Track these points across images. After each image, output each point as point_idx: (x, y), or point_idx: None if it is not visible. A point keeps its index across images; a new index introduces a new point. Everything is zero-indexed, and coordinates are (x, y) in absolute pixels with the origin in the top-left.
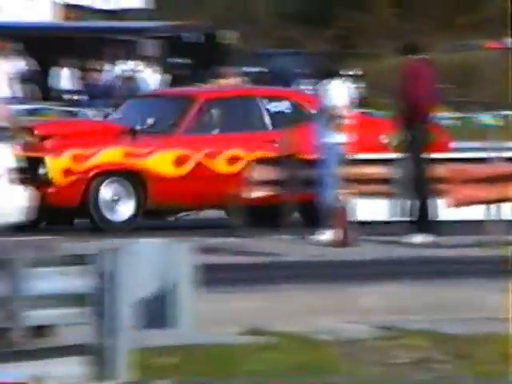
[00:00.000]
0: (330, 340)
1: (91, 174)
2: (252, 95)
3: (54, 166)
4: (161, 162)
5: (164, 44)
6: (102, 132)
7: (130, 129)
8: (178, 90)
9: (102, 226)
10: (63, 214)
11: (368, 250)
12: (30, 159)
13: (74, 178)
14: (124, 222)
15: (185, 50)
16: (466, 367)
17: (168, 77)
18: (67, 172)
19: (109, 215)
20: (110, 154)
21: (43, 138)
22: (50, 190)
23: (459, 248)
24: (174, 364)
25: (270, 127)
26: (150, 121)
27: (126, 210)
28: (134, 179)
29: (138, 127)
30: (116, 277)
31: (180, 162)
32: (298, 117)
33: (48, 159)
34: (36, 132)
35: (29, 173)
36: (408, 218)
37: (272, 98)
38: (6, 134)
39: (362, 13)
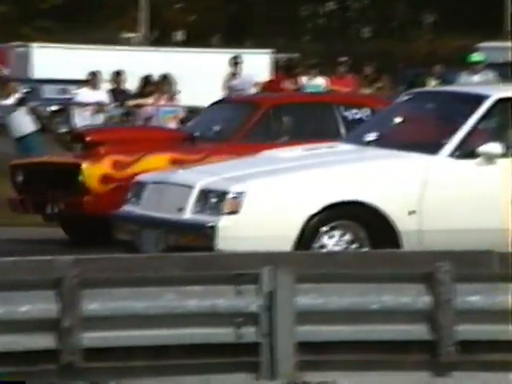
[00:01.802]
0: None
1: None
2: (326, 101)
3: (91, 173)
4: None
5: None
6: (157, 139)
7: (188, 135)
8: (250, 95)
9: None
10: (103, 225)
11: None
12: (67, 166)
13: (112, 185)
14: None
15: None
16: None
17: None
18: (105, 179)
19: None
20: (154, 161)
21: (94, 145)
22: (86, 198)
23: None
24: None
25: (344, 136)
26: (216, 127)
27: None
28: None
29: (197, 134)
30: (277, 295)
31: None
32: None
33: (84, 166)
34: (87, 139)
35: (67, 181)
36: None
37: (350, 105)
38: None
39: None
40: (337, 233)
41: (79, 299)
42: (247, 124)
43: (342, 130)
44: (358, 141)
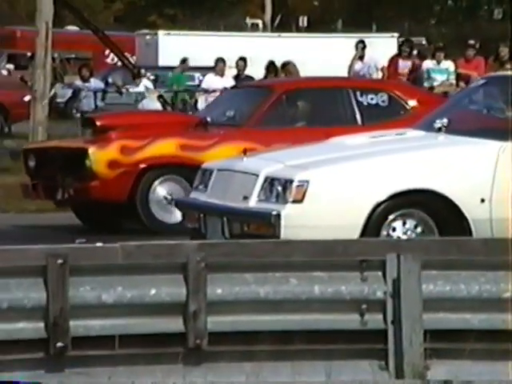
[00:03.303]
0: None
1: (141, 167)
2: (341, 86)
3: (98, 157)
4: (223, 156)
5: None
6: (168, 124)
7: (200, 121)
8: (266, 80)
9: (151, 227)
10: (110, 212)
11: None
12: (76, 151)
13: (120, 171)
14: (177, 225)
15: None
16: None
17: None
18: (113, 164)
19: (160, 216)
20: (163, 146)
21: (105, 130)
22: (94, 183)
23: None
24: None
25: (360, 122)
26: (229, 113)
27: None
28: (191, 175)
29: (209, 119)
30: (403, 282)
31: None
32: (395, 111)
33: (91, 150)
34: (98, 123)
35: (76, 166)
36: None
37: (366, 90)
38: None
39: None
40: (405, 221)
41: (204, 284)
42: (260, 109)
43: (358, 116)
44: (428, 127)
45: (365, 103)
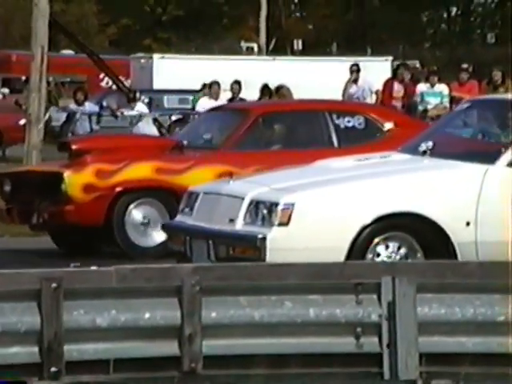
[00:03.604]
0: None
1: (116, 190)
2: (317, 109)
3: (73, 181)
4: (199, 179)
5: None
6: (144, 147)
7: (176, 144)
8: (242, 103)
9: (127, 251)
10: (86, 235)
11: None
12: (51, 175)
13: (96, 194)
14: (155, 248)
15: None
16: None
17: None
18: (88, 188)
19: (136, 239)
20: (138, 170)
21: (80, 154)
22: (69, 207)
23: None
24: None
25: (336, 144)
26: (206, 135)
27: (157, 233)
28: (167, 198)
29: (185, 142)
30: (398, 305)
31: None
32: (371, 133)
33: (66, 174)
34: (73, 147)
35: (51, 190)
36: None
37: (343, 113)
38: None
39: None
40: (390, 244)
41: (199, 307)
42: (237, 132)
43: (334, 138)
44: (413, 150)
45: (341, 126)
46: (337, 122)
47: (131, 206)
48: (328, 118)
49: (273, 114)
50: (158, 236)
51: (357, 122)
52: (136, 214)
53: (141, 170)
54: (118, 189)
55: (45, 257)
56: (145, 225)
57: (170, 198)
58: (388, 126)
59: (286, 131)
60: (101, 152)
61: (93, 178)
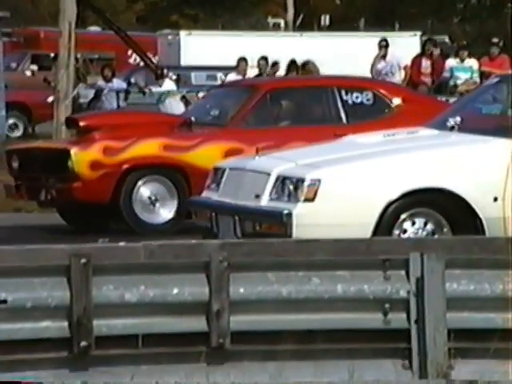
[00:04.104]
0: None
1: (124, 167)
2: (325, 85)
3: (80, 158)
4: (207, 156)
5: None
6: (152, 124)
7: (184, 121)
8: (250, 79)
9: (135, 228)
10: (95, 213)
11: None
12: (58, 152)
13: (103, 172)
14: (162, 225)
15: None
16: None
17: None
18: (95, 165)
19: (144, 217)
20: (146, 147)
21: (88, 130)
22: (76, 184)
23: None
24: None
25: (345, 120)
26: (214, 112)
27: (165, 210)
28: (175, 175)
29: (193, 119)
30: (426, 281)
31: (230, 156)
32: (380, 109)
33: (73, 151)
34: (81, 124)
35: (58, 167)
36: None
37: (351, 89)
38: None
39: None
40: (417, 220)
41: (227, 283)
42: (244, 109)
43: (343, 114)
44: (441, 126)
45: (350, 102)
46: (345, 97)
47: (139, 183)
48: (336, 94)
49: (280, 91)
50: (166, 213)
51: (365, 97)
52: (144, 191)
53: (148, 147)
54: (126, 166)
55: (54, 233)
56: (152, 202)
57: (177, 175)
58: (396, 101)
59: (294, 107)
60: (109, 129)
61: (100, 155)
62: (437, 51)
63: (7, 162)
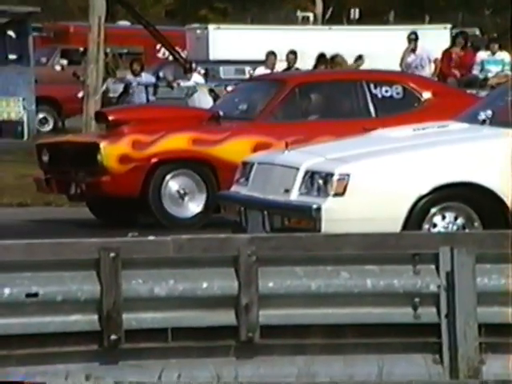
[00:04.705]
0: None
1: (152, 161)
2: (354, 79)
3: (109, 152)
4: (235, 150)
5: None
6: (181, 118)
7: (212, 114)
8: (279, 73)
9: (163, 222)
10: (123, 207)
11: None
12: (87, 146)
13: (132, 165)
14: (191, 219)
15: None
16: None
17: None
18: (124, 159)
19: (173, 210)
20: (174, 141)
21: (117, 124)
22: (105, 178)
23: None
24: None
25: (374, 114)
26: (242, 106)
27: (193, 204)
28: (203, 169)
29: (222, 113)
30: (457, 276)
31: (258, 150)
32: (409, 103)
33: (103, 145)
34: (110, 118)
35: (88, 161)
36: None
37: (380, 82)
38: None
39: None
40: (447, 214)
41: (256, 277)
42: (273, 103)
43: (372, 108)
44: (472, 119)
45: (379, 95)
46: (374, 91)
47: (167, 177)
48: (365, 88)
49: (309, 85)
50: (194, 207)
51: (394, 91)
52: (172, 185)
53: (177, 141)
54: (154, 160)
55: (83, 227)
56: (181, 196)
57: (206, 169)
58: (426, 95)
59: (323, 101)
60: (138, 123)
61: (129, 149)
62: (467, 44)
63: (37, 156)
